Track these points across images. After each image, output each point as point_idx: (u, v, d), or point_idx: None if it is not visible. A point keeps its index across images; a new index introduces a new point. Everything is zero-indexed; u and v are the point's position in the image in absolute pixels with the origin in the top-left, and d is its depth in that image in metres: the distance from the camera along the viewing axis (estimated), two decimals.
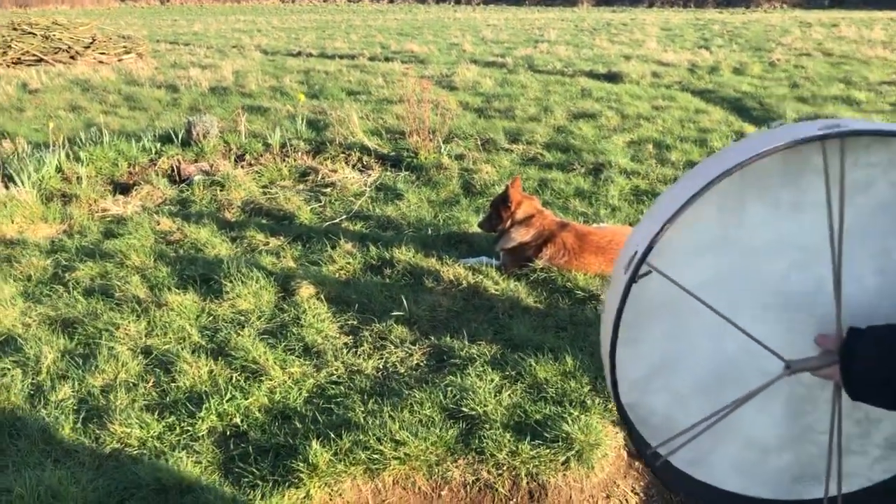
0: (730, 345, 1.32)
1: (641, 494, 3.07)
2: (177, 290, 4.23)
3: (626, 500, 3.01)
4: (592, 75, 12.58)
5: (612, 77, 12.18)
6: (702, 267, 1.28)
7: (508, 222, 4.59)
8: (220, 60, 16.02)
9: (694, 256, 1.27)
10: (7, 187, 5.63)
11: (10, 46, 16.98)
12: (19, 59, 16.77)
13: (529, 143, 7.60)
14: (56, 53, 17.12)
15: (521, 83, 11.72)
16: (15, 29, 17.73)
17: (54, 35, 17.71)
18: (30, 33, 17.65)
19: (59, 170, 6.32)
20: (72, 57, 17.15)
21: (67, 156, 6.49)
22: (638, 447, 1.43)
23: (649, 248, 1.18)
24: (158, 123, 8.85)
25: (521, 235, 4.53)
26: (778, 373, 1.28)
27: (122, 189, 6.31)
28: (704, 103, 9.69)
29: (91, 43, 17.78)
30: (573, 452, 2.92)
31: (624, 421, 1.40)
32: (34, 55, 16.82)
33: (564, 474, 2.90)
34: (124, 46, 18.13)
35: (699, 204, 1.16)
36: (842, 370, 1.20)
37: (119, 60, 17.27)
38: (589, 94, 10.37)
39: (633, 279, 1.18)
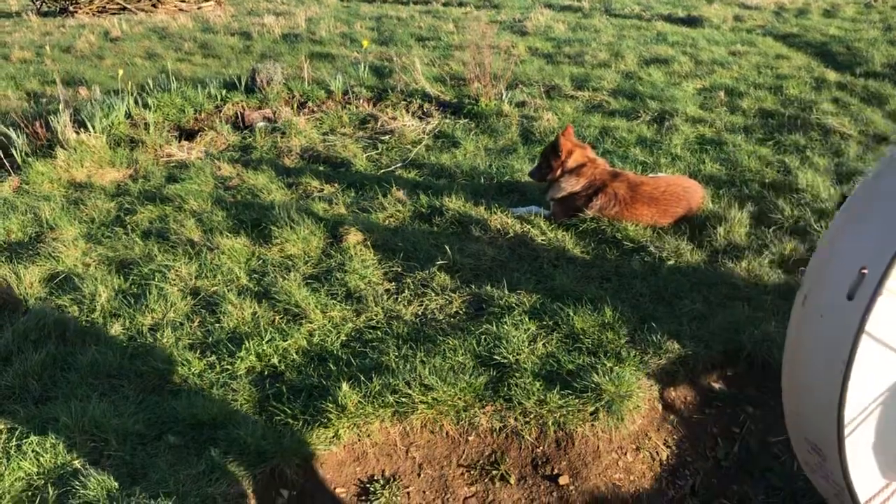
0: None
1: (674, 447, 3.03)
2: (229, 234, 4.34)
3: (658, 452, 2.98)
4: (671, 19, 12.06)
5: (692, 21, 11.65)
6: None
7: (559, 171, 4.50)
8: (296, 7, 16.07)
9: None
10: (78, 132, 5.85)
11: None
12: (104, 7, 17.25)
13: (595, 89, 7.38)
14: (139, 1, 17.51)
15: (595, 27, 11.34)
16: None
17: None
18: None
19: (128, 116, 6.51)
20: (153, 5, 17.52)
21: (136, 102, 6.68)
22: None
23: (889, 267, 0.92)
24: (228, 70, 8.99)
25: (571, 185, 4.44)
26: None
27: (188, 135, 6.47)
28: (786, 48, 9.18)
29: None
30: (602, 403, 2.89)
31: (849, 488, 1.21)
32: (118, 3, 17.26)
33: (592, 424, 2.88)
34: None
35: None
36: None
37: (199, 8, 17.54)
38: (664, 39, 9.96)
39: (869, 309, 0.94)
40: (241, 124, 6.66)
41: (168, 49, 11.40)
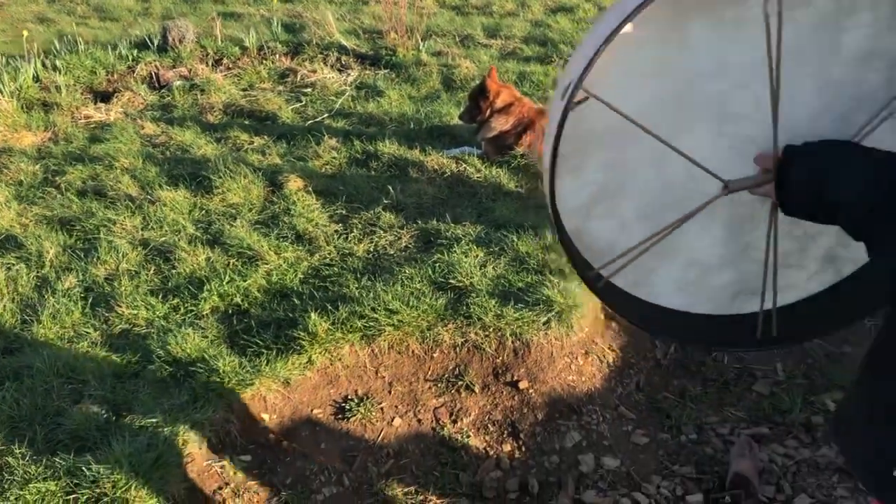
0: (672, 170, 1.33)
1: (619, 351, 3.32)
2: (168, 188, 4.35)
3: (605, 355, 3.26)
4: None
5: None
6: (643, 92, 1.26)
7: (488, 112, 4.69)
8: None
9: (634, 82, 1.25)
10: None
11: None
12: None
13: (508, 38, 7.58)
14: None
15: None
16: None
17: None
18: None
19: (36, 79, 6.28)
20: None
21: (44, 65, 6.45)
22: (580, 270, 1.41)
23: (584, 73, 1.13)
24: (132, 32, 8.71)
25: (500, 124, 4.64)
26: (717, 194, 1.31)
27: (103, 97, 6.30)
28: None
29: None
30: (553, 313, 3.14)
31: (563, 244, 1.38)
32: None
33: (546, 333, 3.12)
34: None
35: (637, 25, 1.12)
36: (777, 186, 1.24)
37: None
38: None
39: (569, 106, 1.15)
40: (157, 84, 6.53)
41: (60, 13, 10.88)
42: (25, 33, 6.95)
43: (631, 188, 1.39)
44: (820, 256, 1.50)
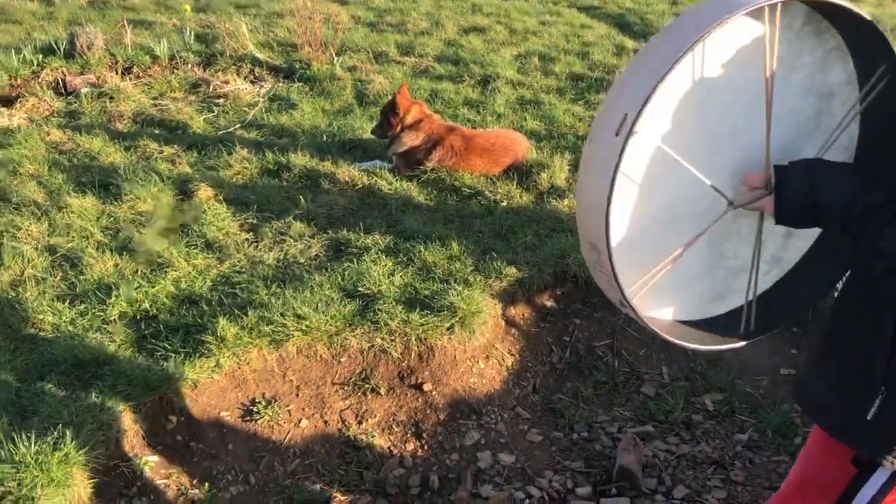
0: (680, 187, 1.57)
1: (517, 355, 3.52)
2: (75, 195, 4.31)
3: (504, 359, 3.45)
4: None
5: None
6: (665, 122, 1.51)
7: (399, 128, 4.85)
8: None
9: (665, 114, 1.50)
10: None
11: None
12: None
13: (421, 55, 7.79)
14: None
15: None
16: None
17: None
18: None
19: None
20: None
21: None
22: (618, 297, 1.60)
23: (639, 114, 1.35)
24: (36, 36, 8.49)
25: (411, 140, 4.81)
26: (723, 210, 1.59)
27: (5, 102, 6.14)
28: (589, 18, 10.07)
29: None
30: (456, 319, 3.31)
31: (615, 277, 1.53)
32: None
33: (449, 338, 3.29)
34: None
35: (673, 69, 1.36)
36: (776, 199, 1.49)
37: None
38: (480, 10, 10.55)
39: (627, 140, 1.36)
40: (63, 90, 6.42)
41: None
42: None
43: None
44: (769, 258, 1.80)
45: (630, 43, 8.46)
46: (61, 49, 6.99)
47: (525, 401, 3.35)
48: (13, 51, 6.81)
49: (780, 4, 1.42)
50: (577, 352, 3.65)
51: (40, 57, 6.87)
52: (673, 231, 1.63)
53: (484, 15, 10.21)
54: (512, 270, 3.73)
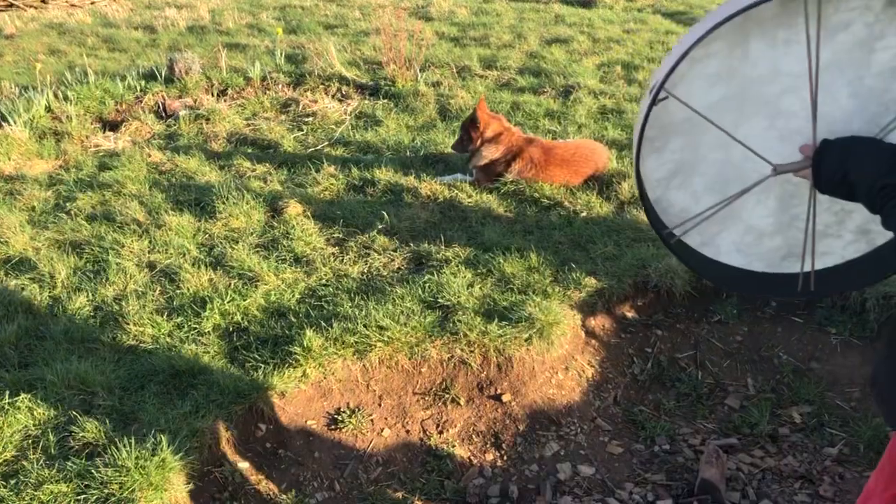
0: (734, 153, 1.73)
1: (597, 367, 3.51)
2: (173, 213, 4.56)
3: (584, 371, 3.45)
4: (566, 2, 12.69)
5: (586, 3, 12.28)
6: (712, 92, 1.66)
7: (479, 141, 4.91)
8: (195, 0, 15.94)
9: (706, 84, 1.65)
10: (0, 126, 5.88)
11: None
12: None
13: (503, 68, 7.85)
14: None
15: (497, 12, 11.84)
16: None
17: None
18: None
19: (48, 109, 6.54)
20: (43, 1, 16.97)
21: (56, 96, 6.71)
22: (658, 230, 1.85)
23: (666, 78, 1.55)
24: (140, 63, 9.01)
25: (491, 153, 4.86)
26: (767, 174, 1.71)
27: (111, 126, 6.56)
28: (675, 25, 9.91)
29: None
30: (535, 330, 3.33)
31: (645, 209, 1.82)
32: (5, 1, 16.63)
33: (528, 349, 3.31)
34: None
35: (710, 41, 1.55)
36: (812, 170, 1.61)
37: (91, 3, 17.09)
38: (563, 21, 10.54)
39: (654, 103, 1.58)
40: (163, 113, 6.79)
41: (71, 45, 11.22)
42: (38, 65, 7.24)
43: (701, 166, 1.79)
44: (854, 228, 1.87)
45: None
46: (161, 74, 7.40)
47: (605, 412, 3.34)
48: (118, 78, 7.25)
49: None
50: (659, 363, 3.60)
51: (143, 83, 7.28)
52: (724, 187, 1.81)
53: (567, 25, 10.20)
54: (591, 281, 3.72)
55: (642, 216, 4.33)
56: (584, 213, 4.40)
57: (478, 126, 4.87)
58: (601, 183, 4.77)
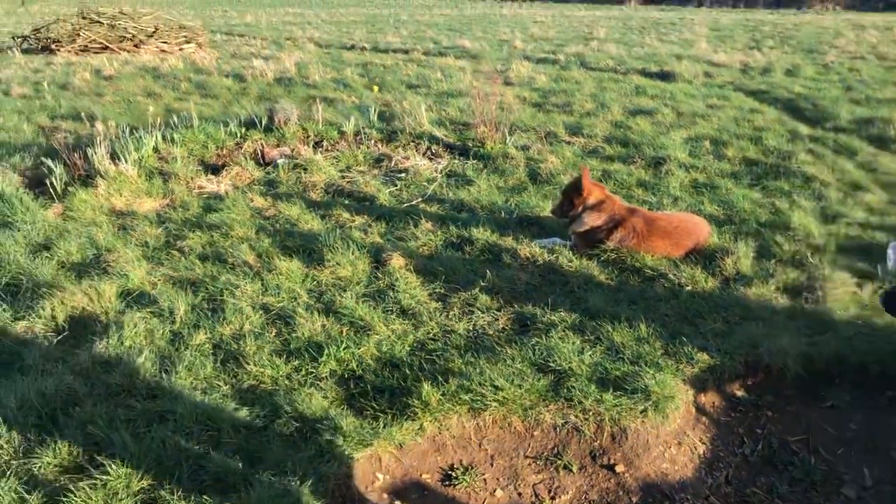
0: None
1: (708, 444, 3.47)
2: (282, 258, 4.70)
3: (696, 447, 3.41)
4: (645, 73, 12.87)
5: (665, 76, 12.45)
6: None
7: (581, 208, 4.98)
8: (279, 52, 16.59)
9: None
10: (116, 164, 6.17)
11: (78, 34, 17.73)
12: (86, 46, 17.48)
13: (589, 136, 7.97)
14: (121, 42, 17.78)
15: (576, 80, 12.07)
16: (84, 18, 18.47)
17: (119, 24, 18.38)
18: (97, 22, 18.36)
19: (155, 150, 6.85)
20: (135, 45, 17.82)
21: (163, 137, 7.03)
22: None
23: None
24: (232, 110, 9.39)
25: (593, 220, 4.92)
26: None
27: (213, 169, 6.82)
28: (758, 103, 9.96)
29: (154, 32, 18.43)
30: (650, 403, 3.32)
31: None
32: (100, 43, 17.52)
33: (643, 421, 3.30)
34: (184, 36, 18.75)
35: None
36: None
37: (180, 49, 17.91)
38: (643, 92, 10.68)
39: None
40: (261, 160, 7.04)
41: (165, 88, 11.76)
42: (150, 108, 7.59)
43: None
44: None
45: (804, 129, 8.29)
46: (262, 123, 7.68)
47: (718, 491, 3.29)
48: (221, 124, 7.55)
49: None
50: (770, 445, 3.54)
51: (243, 129, 7.57)
52: None
53: (648, 97, 10.32)
54: (703, 356, 3.71)
55: (749, 293, 4.32)
56: (689, 287, 4.40)
57: (581, 192, 4.94)
58: (703, 257, 4.77)
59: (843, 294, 4.29)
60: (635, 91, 10.84)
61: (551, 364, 3.58)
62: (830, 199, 5.90)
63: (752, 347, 3.80)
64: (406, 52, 17.28)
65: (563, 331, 3.90)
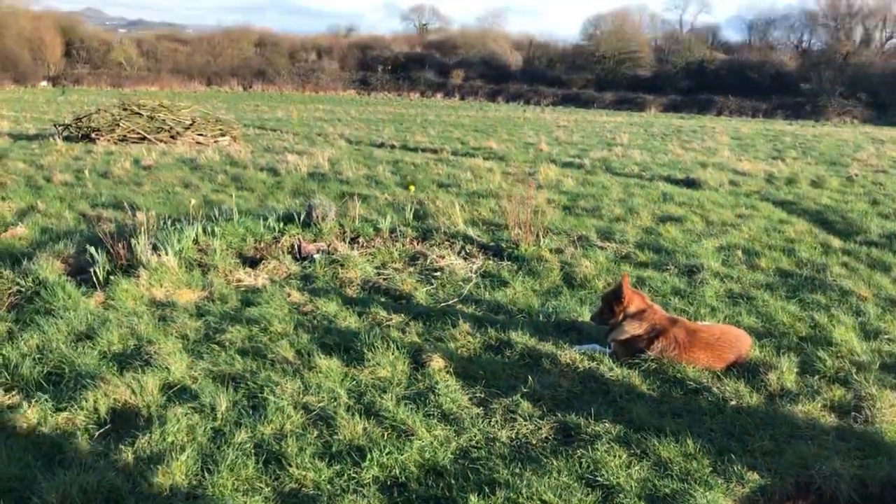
0: None
1: None
2: (321, 355, 4.70)
3: None
4: (670, 180, 13.05)
5: (691, 183, 12.62)
6: None
7: (621, 316, 4.98)
8: (311, 147, 17.04)
9: None
10: (158, 255, 6.27)
11: (117, 124, 18.35)
12: (125, 136, 18.05)
13: (621, 241, 8.03)
14: (158, 133, 18.35)
15: (602, 184, 12.25)
16: (125, 109, 19.17)
17: (159, 116, 19.05)
18: (137, 113, 19.03)
19: (195, 241, 6.97)
20: (172, 136, 18.38)
21: (204, 230, 7.16)
22: None
23: None
24: (269, 203, 9.58)
25: (633, 329, 4.91)
26: None
27: (250, 262, 6.91)
28: (786, 214, 10.04)
29: (191, 125, 19.05)
30: None
31: None
32: (138, 133, 18.09)
33: None
34: (220, 129, 19.35)
35: None
36: None
37: (215, 142, 18.45)
38: (671, 199, 10.81)
39: None
40: (298, 255, 7.13)
41: (202, 180, 12.06)
42: (192, 201, 7.77)
43: None
44: None
45: (836, 242, 8.32)
46: (300, 218, 7.83)
47: None
48: (260, 218, 7.70)
49: None
50: None
51: (281, 224, 7.71)
52: None
53: (676, 204, 10.44)
54: (753, 476, 3.61)
55: (796, 411, 4.24)
56: (733, 402, 4.33)
57: (622, 301, 4.95)
58: (746, 370, 4.72)
59: (894, 415, 4.20)
60: (662, 198, 10.97)
61: (598, 479, 3.50)
62: (869, 314, 5.85)
63: (802, 468, 3.70)
64: (435, 151, 17.68)
65: (609, 443, 3.83)
